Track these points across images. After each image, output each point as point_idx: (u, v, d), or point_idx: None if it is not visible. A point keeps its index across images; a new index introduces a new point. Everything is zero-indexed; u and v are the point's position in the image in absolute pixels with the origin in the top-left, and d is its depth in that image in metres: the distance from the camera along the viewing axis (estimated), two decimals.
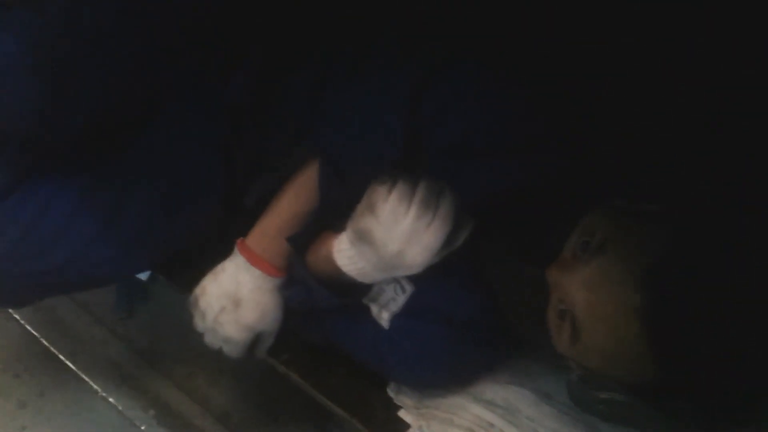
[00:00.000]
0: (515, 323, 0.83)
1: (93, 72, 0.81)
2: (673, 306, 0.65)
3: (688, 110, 0.85)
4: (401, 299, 0.87)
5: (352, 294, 0.85)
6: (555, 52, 0.84)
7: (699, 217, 0.73)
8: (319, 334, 0.93)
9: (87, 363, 1.24)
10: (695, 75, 0.85)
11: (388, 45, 0.87)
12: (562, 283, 0.71)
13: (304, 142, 0.90)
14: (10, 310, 1.27)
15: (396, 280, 0.86)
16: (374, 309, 0.88)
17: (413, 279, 0.84)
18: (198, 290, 0.92)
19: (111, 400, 1.22)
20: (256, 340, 0.93)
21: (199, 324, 0.92)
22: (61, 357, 1.24)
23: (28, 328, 1.26)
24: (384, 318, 0.87)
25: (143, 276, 1.31)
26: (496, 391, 0.89)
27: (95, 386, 1.22)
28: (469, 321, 0.86)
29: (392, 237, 0.72)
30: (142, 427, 1.20)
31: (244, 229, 0.91)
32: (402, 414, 0.92)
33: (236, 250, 0.90)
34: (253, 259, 0.89)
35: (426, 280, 0.81)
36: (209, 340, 0.92)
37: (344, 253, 0.79)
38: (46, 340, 1.25)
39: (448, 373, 0.89)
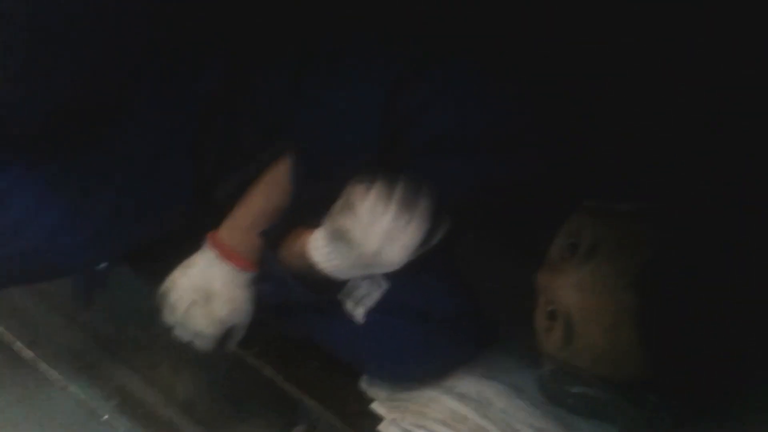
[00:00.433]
0: (493, 321, 0.84)
1: (58, 61, 0.78)
2: (665, 305, 0.67)
3: (669, 108, 0.86)
4: (376, 295, 0.87)
5: (326, 289, 0.84)
6: (537, 48, 0.84)
7: (688, 217, 0.75)
8: (293, 327, 0.93)
9: (46, 352, 1.21)
10: (692, 75, 0.86)
11: (367, 40, 0.86)
12: (553, 286, 0.72)
13: (277, 136, 0.88)
14: None
15: (371, 276, 0.86)
16: (349, 304, 0.88)
17: (388, 275, 0.84)
18: (168, 284, 0.90)
19: (71, 389, 1.19)
20: (226, 333, 0.92)
21: (169, 317, 0.90)
22: (20, 345, 1.21)
23: None
24: (359, 313, 0.87)
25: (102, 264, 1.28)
26: (469, 384, 0.90)
27: (55, 375, 1.19)
28: (443, 317, 0.87)
29: (370, 236, 0.73)
30: (104, 417, 1.18)
31: (214, 223, 0.90)
32: (375, 406, 0.93)
33: (207, 244, 0.89)
34: (225, 253, 0.87)
35: (401, 277, 0.81)
36: (179, 333, 0.91)
37: (320, 250, 0.79)
38: (3, 327, 1.22)
39: (422, 368, 0.90)
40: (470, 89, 0.81)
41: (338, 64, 0.85)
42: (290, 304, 0.89)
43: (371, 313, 0.88)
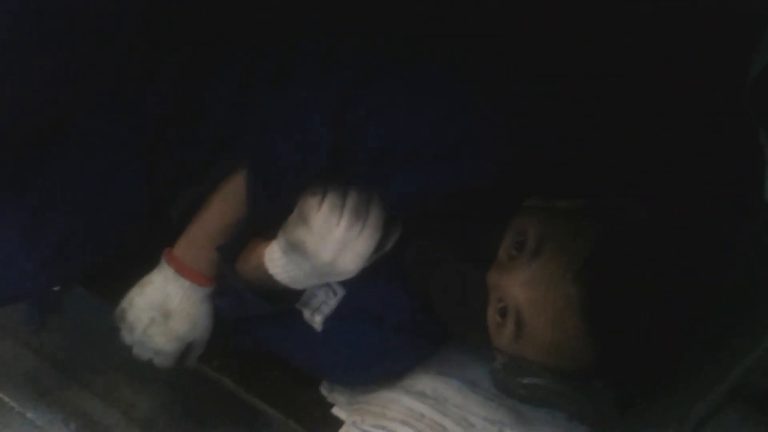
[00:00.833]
0: (447, 321, 0.87)
1: (4, 80, 0.79)
2: (607, 296, 0.71)
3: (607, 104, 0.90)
4: (333, 302, 0.90)
5: (283, 300, 0.86)
6: (480, 53, 0.88)
7: (627, 210, 0.79)
8: (251, 339, 0.95)
9: (1, 379, 1.20)
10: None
11: (313, 51, 0.88)
12: (502, 284, 0.76)
13: (229, 152, 0.90)
14: None
15: (327, 284, 0.89)
16: (306, 313, 0.90)
17: (344, 282, 0.87)
18: (125, 303, 0.90)
19: (29, 415, 1.18)
20: (186, 349, 0.93)
21: (128, 337, 0.90)
22: None
23: None
24: (316, 321, 0.90)
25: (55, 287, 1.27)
26: (425, 382, 0.93)
27: (11, 403, 1.18)
28: (399, 321, 0.90)
29: (325, 246, 0.75)
30: None
31: (169, 241, 0.91)
32: (335, 411, 0.95)
33: (163, 261, 0.90)
34: (182, 269, 0.88)
35: (357, 283, 0.84)
36: (138, 352, 0.91)
37: (276, 262, 0.81)
38: None
39: (380, 370, 0.93)
40: (413, 98, 0.84)
41: (284, 79, 0.88)
42: (248, 317, 0.90)
43: (329, 320, 0.90)
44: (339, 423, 0.94)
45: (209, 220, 0.89)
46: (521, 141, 0.84)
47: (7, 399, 1.18)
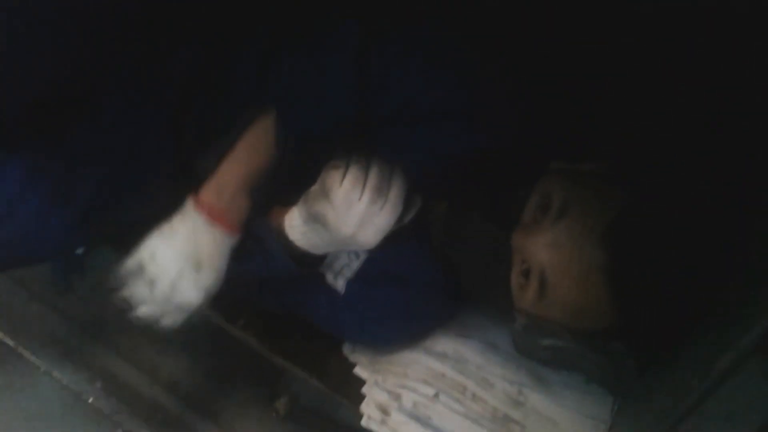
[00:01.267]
0: (469, 282, 0.89)
1: (36, 47, 0.79)
2: (631, 259, 0.73)
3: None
4: (355, 265, 0.91)
5: (307, 263, 0.88)
6: (502, 15, 0.87)
7: (646, 175, 0.80)
8: (275, 302, 0.96)
9: (28, 339, 1.22)
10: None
11: (330, 9, 0.88)
12: (527, 245, 0.77)
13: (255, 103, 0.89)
14: None
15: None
16: (329, 276, 0.92)
17: None
18: (144, 255, 0.83)
19: (55, 374, 1.20)
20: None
21: (144, 293, 0.83)
22: (1, 334, 1.22)
23: None
24: (339, 284, 0.91)
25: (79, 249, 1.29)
26: (446, 343, 0.95)
27: (38, 362, 1.21)
28: (421, 282, 0.91)
29: (345, 221, 0.76)
30: (90, 400, 1.20)
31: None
32: (357, 371, 0.98)
33: (191, 208, 0.84)
34: (214, 216, 0.83)
35: (379, 246, 0.85)
36: (151, 311, 0.84)
37: (296, 228, 0.82)
38: None
39: (403, 333, 0.95)
40: (434, 56, 0.83)
41: (305, 37, 0.87)
42: (273, 279, 0.92)
43: (351, 282, 0.92)
44: (361, 382, 0.97)
45: (238, 167, 0.84)
46: (540, 102, 0.84)
47: (34, 359, 1.21)
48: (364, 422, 0.93)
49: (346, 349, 1.00)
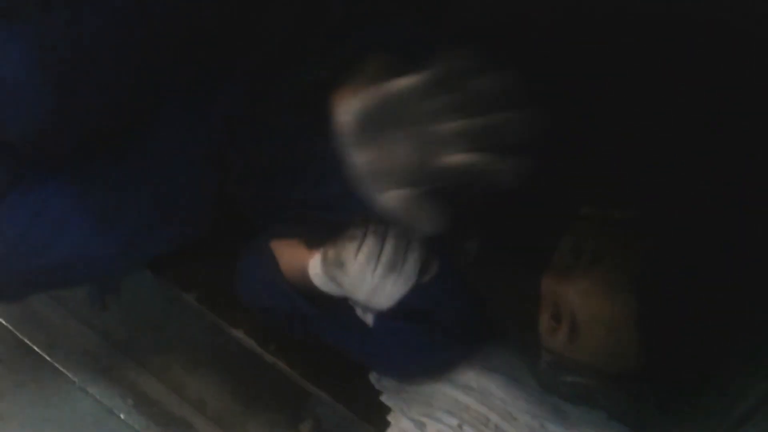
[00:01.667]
0: (496, 320, 0.91)
1: (95, 80, 0.84)
2: (660, 308, 0.75)
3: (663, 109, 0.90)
4: None
5: (334, 302, 0.90)
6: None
7: (682, 221, 0.82)
8: (306, 333, 0.99)
9: (63, 355, 1.26)
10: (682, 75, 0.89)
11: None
12: (559, 290, 0.79)
13: (294, 147, 0.93)
14: None
15: None
16: (359, 309, 0.95)
17: None
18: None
19: (89, 390, 1.24)
20: None
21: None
22: (37, 350, 1.26)
23: (3, 321, 1.27)
24: (368, 318, 0.94)
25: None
26: (470, 376, 0.97)
27: (73, 377, 1.25)
28: (447, 319, 0.94)
29: (360, 289, 0.80)
30: (121, 416, 1.24)
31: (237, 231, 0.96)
32: (384, 399, 1.00)
33: None
34: None
35: None
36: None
37: (318, 277, 0.85)
38: (21, 333, 1.27)
39: (429, 368, 0.97)
40: None
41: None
42: (300, 315, 0.95)
43: (379, 317, 0.94)
44: (386, 409, 0.99)
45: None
46: (557, 146, 0.85)
47: (70, 375, 1.25)
48: None
49: (373, 377, 1.02)
